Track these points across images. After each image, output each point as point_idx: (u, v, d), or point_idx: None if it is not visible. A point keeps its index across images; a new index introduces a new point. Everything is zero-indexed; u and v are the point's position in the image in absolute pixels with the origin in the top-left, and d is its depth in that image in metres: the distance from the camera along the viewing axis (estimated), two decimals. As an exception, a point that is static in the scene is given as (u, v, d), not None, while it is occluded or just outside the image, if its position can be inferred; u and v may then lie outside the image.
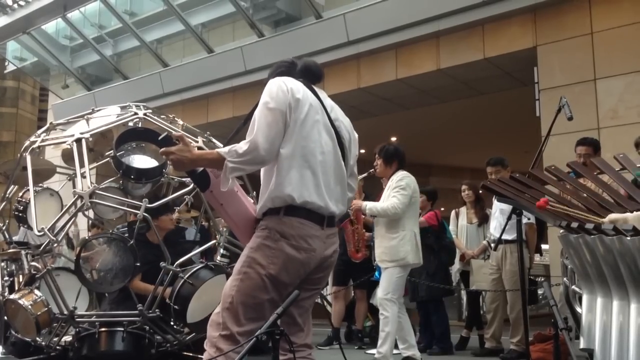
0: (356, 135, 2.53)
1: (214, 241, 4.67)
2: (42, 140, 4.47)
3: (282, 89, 2.26)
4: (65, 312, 3.83)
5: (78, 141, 4.14)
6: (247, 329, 2.18)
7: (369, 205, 4.67)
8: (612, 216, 1.92)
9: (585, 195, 2.20)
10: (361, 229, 5.69)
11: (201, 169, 2.26)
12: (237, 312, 2.19)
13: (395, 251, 4.53)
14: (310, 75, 2.45)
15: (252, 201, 2.46)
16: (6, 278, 4.36)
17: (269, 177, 2.27)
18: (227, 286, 2.26)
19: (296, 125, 2.25)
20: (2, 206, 4.77)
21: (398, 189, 4.58)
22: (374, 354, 4.54)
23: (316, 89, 2.42)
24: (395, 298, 4.50)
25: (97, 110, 4.66)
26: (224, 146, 2.27)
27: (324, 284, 2.54)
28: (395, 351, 4.57)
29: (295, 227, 2.23)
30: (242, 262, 2.26)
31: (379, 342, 4.46)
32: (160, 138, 2.24)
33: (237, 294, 2.20)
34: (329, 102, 2.44)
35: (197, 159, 2.20)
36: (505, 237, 4.99)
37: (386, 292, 4.48)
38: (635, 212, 1.94)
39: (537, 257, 6.41)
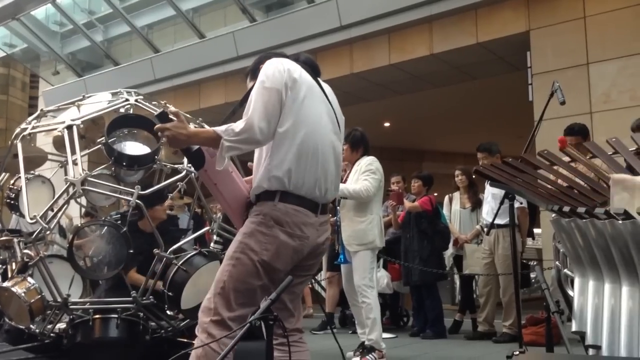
0: (343, 118, 2.53)
1: (207, 228, 4.66)
2: (33, 128, 4.42)
3: (278, 68, 2.24)
4: (59, 300, 3.82)
5: (69, 128, 4.10)
6: (238, 314, 2.19)
7: (340, 186, 4.64)
8: (620, 176, 1.89)
9: (578, 180, 2.20)
10: None
11: (196, 147, 2.23)
12: (228, 298, 2.19)
13: (364, 235, 4.55)
14: (309, 67, 2.42)
15: (245, 181, 2.44)
16: (-1, 266, 4.35)
17: (264, 155, 2.25)
18: (219, 271, 2.25)
19: (294, 105, 2.23)
20: (-7, 194, 4.75)
21: (368, 172, 4.58)
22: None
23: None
24: (372, 282, 4.54)
25: (88, 97, 4.61)
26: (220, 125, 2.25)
27: (315, 270, 2.54)
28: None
29: (290, 214, 2.21)
30: (234, 248, 2.24)
31: (367, 330, 4.46)
32: (156, 114, 2.21)
33: (229, 279, 2.20)
34: (325, 85, 2.44)
35: (193, 136, 2.17)
36: (497, 221, 5.02)
37: (363, 278, 4.49)
38: None
39: (529, 241, 6.45)
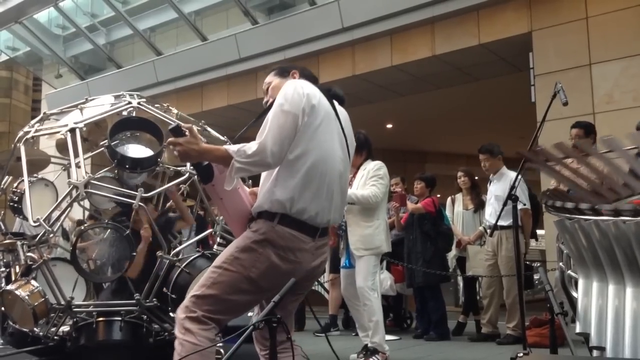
0: (355, 144, 2.55)
1: (210, 230, 4.66)
2: (36, 131, 4.43)
3: (298, 92, 2.24)
4: (63, 302, 3.83)
5: (72, 131, 4.11)
6: (213, 317, 2.20)
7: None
8: None
9: (592, 177, 2.18)
10: None
11: (206, 162, 2.24)
12: (206, 303, 2.20)
13: (371, 239, 4.56)
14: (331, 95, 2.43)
15: (249, 191, 2.45)
16: (2, 269, 4.35)
17: (272, 177, 2.26)
18: (203, 277, 2.27)
19: (308, 131, 2.23)
20: (-3, 197, 4.76)
21: (376, 178, 4.59)
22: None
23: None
24: (375, 285, 4.55)
25: (91, 100, 4.62)
26: (232, 143, 2.26)
27: (310, 289, 2.56)
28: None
29: (286, 238, 2.22)
30: (224, 258, 2.26)
31: (370, 332, 4.46)
32: (170, 128, 2.22)
33: (212, 286, 2.21)
34: (342, 111, 2.45)
35: (205, 153, 2.17)
36: (500, 223, 5.00)
37: (366, 280, 4.50)
38: None
39: (532, 243, 6.44)
